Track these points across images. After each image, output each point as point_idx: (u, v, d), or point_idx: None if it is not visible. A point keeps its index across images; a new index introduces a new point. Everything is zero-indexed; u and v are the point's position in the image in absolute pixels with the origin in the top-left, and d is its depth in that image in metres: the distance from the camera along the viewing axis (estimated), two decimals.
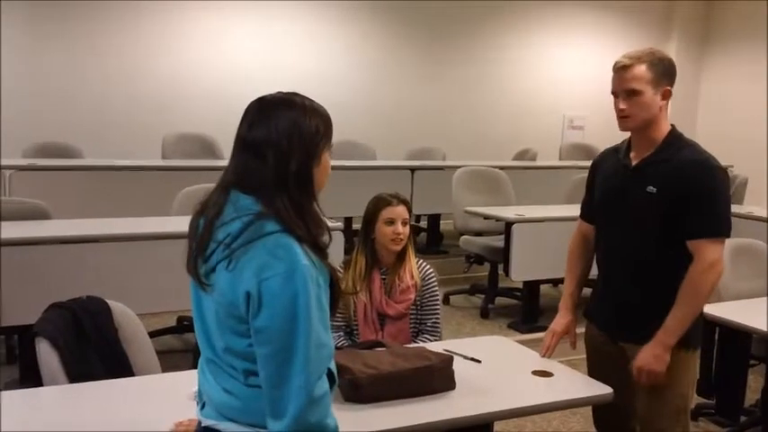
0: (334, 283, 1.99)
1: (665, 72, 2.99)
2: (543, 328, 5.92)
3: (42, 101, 8.46)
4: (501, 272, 6.85)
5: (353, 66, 10.14)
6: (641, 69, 2.97)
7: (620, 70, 3.01)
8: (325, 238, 2.00)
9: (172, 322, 5.70)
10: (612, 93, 3.06)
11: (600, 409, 3.35)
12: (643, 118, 3.01)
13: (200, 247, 1.97)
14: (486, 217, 6.71)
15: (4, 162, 6.57)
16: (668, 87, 3.00)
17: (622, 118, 3.05)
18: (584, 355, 3.42)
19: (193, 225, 2.04)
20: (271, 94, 2.04)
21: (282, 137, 1.94)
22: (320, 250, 1.95)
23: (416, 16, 10.38)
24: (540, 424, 4.70)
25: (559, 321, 3.40)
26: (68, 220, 5.16)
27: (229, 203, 1.96)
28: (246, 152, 1.98)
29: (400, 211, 3.62)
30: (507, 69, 11.17)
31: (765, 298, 4.19)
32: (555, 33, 11.46)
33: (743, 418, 4.57)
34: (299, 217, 1.92)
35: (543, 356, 3.28)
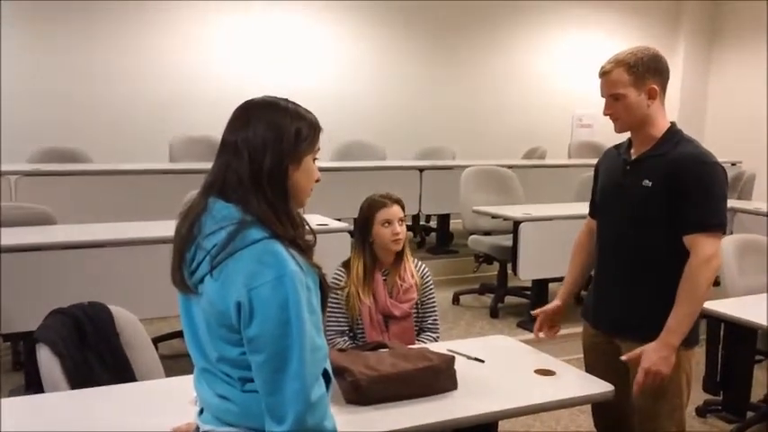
0: (322, 284, 1.99)
1: (647, 71, 2.98)
2: None
3: (47, 105, 8.47)
4: (510, 271, 6.84)
5: (364, 66, 10.15)
6: (620, 73, 2.99)
7: (603, 76, 3.06)
8: (309, 238, 2.00)
9: (179, 326, 5.67)
10: (602, 96, 3.08)
11: (599, 407, 3.35)
12: (631, 120, 3.03)
13: (185, 258, 1.96)
14: (494, 216, 6.70)
15: (9, 167, 6.58)
16: (654, 86, 2.99)
17: (613, 121, 3.08)
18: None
19: (179, 233, 2.01)
20: (257, 98, 2.04)
21: (258, 137, 1.93)
22: (303, 251, 1.94)
23: (426, 16, 10.39)
24: (549, 423, 4.70)
25: (548, 306, 3.46)
26: (74, 225, 5.17)
27: (207, 212, 1.95)
28: (226, 153, 1.98)
29: (395, 211, 3.64)
30: (516, 69, 11.17)
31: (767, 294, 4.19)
32: (563, 32, 11.45)
33: (750, 414, 4.56)
34: (275, 217, 1.91)
35: (537, 338, 3.44)
